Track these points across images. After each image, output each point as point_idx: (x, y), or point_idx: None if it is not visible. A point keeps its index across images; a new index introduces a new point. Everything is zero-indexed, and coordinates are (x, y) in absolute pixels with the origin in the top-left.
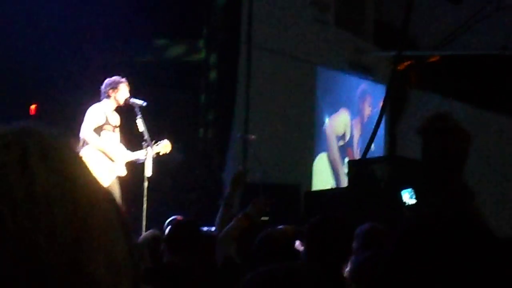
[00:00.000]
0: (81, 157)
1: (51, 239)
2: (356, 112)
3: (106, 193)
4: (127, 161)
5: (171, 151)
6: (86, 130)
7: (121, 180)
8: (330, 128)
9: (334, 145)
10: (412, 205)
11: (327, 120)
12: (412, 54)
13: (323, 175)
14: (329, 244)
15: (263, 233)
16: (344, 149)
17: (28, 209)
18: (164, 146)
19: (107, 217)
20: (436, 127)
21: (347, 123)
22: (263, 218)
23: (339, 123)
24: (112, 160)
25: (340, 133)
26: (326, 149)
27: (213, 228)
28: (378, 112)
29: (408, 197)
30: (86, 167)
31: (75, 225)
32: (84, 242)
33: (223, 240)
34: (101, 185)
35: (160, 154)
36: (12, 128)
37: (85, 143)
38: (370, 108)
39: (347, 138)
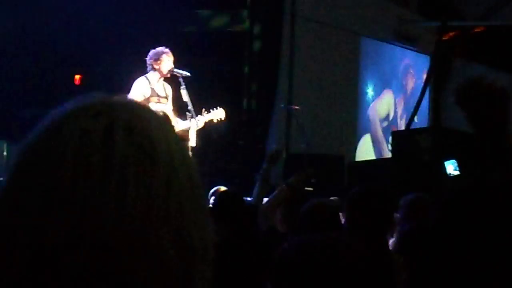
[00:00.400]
0: (172, 135)
1: (120, 211)
2: (399, 89)
3: (196, 175)
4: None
5: (220, 120)
6: None
7: None
8: (373, 112)
9: (378, 128)
10: (455, 176)
11: (371, 103)
12: (457, 24)
13: (367, 156)
14: (370, 215)
15: (308, 204)
16: (389, 128)
17: (101, 178)
18: (219, 113)
19: (188, 198)
20: (472, 94)
21: (391, 104)
22: (307, 189)
23: (382, 106)
24: None
25: (384, 115)
26: (369, 130)
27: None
28: (422, 83)
29: (452, 168)
30: (176, 145)
31: (148, 202)
32: (155, 221)
33: (266, 210)
34: (193, 168)
35: (214, 121)
36: (104, 99)
37: None
38: (413, 80)
39: (391, 117)
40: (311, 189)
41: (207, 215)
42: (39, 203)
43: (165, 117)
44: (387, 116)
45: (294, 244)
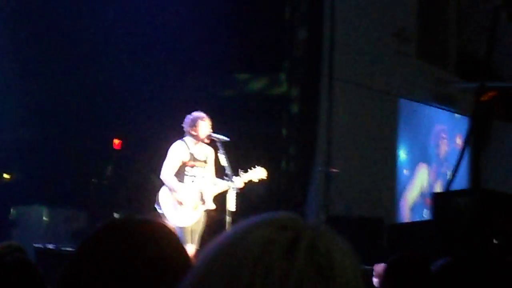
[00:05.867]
0: (354, 261)
1: None
2: (432, 158)
3: None
4: (214, 194)
5: (262, 180)
6: (164, 171)
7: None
8: (404, 203)
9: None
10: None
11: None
12: (495, 85)
13: None
14: (407, 283)
15: None
16: (423, 199)
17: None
18: (259, 172)
19: None
20: None
21: (425, 179)
22: None
23: (416, 187)
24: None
25: (418, 193)
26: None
27: None
28: (456, 148)
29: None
30: (354, 271)
31: None
32: None
33: None
34: None
35: (255, 180)
36: (291, 215)
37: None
38: (446, 145)
39: (425, 190)
40: None
41: None
42: None
43: (347, 244)
44: (421, 191)
45: None
